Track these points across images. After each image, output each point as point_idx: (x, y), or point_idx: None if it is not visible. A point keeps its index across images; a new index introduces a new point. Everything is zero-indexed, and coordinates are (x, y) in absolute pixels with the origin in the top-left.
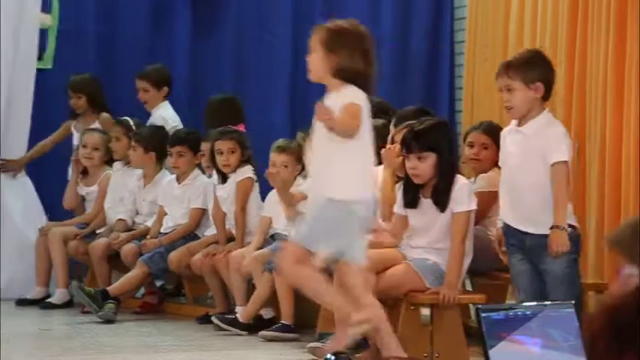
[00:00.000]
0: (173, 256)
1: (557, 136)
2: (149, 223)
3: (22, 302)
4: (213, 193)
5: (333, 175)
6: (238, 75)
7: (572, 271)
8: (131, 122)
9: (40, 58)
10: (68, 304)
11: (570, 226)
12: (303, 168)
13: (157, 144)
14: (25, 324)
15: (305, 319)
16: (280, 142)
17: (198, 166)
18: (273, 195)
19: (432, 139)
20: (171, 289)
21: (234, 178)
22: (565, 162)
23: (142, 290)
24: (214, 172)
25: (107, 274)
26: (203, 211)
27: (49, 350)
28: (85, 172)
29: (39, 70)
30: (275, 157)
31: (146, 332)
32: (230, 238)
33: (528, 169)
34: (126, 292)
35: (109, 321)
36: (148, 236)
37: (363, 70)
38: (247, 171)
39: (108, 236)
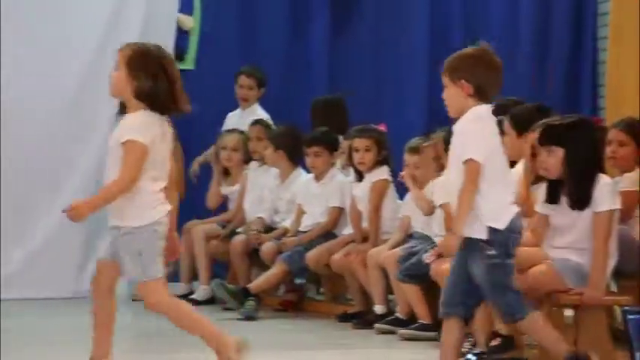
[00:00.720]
0: (311, 255)
1: (469, 134)
2: (287, 221)
3: None
4: (351, 192)
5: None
6: (376, 75)
7: (494, 277)
8: (270, 122)
9: (181, 59)
10: (210, 301)
11: (492, 229)
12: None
13: (288, 143)
14: (167, 320)
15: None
16: (413, 142)
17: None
18: (411, 195)
19: (561, 134)
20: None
21: (369, 178)
22: (471, 160)
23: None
24: (352, 171)
25: (247, 271)
26: (341, 210)
27: (191, 346)
28: (226, 172)
29: (181, 72)
30: (408, 158)
31: (286, 330)
32: (366, 238)
33: (451, 168)
34: (266, 289)
35: (250, 318)
36: (287, 235)
37: (163, 93)
38: (383, 172)
39: (247, 234)
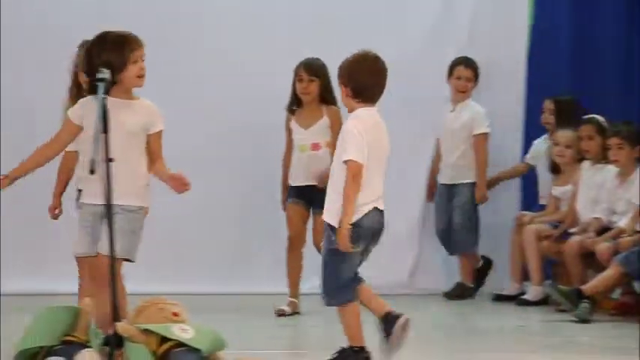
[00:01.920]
0: None
1: (344, 135)
2: (623, 221)
3: (499, 298)
4: None
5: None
6: None
7: (326, 258)
8: (601, 120)
9: None
10: (543, 302)
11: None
12: None
13: (636, 140)
14: (501, 319)
15: None
16: None
17: None
18: None
19: None
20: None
21: None
22: (351, 161)
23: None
24: None
25: (581, 272)
26: None
27: (525, 346)
28: (557, 170)
29: None
30: None
31: (622, 334)
32: None
33: (334, 165)
34: (600, 291)
35: (583, 320)
36: (623, 235)
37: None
38: None
39: (582, 235)
